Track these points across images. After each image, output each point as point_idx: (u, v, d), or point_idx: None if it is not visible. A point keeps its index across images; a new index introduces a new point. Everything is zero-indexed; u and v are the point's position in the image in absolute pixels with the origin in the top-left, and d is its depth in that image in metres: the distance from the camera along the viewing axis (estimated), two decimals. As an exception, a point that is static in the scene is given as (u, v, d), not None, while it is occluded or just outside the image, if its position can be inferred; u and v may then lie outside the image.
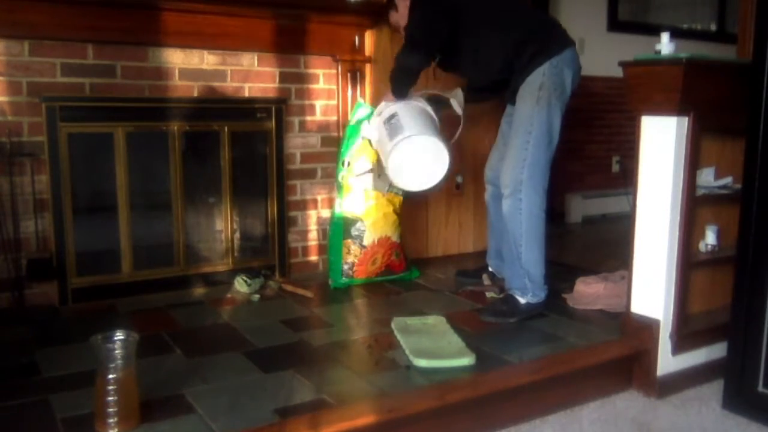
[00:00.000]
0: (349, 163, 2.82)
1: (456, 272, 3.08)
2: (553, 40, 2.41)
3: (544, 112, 2.37)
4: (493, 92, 2.75)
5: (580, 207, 4.71)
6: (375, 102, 3.13)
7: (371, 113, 2.78)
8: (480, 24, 2.47)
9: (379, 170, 2.81)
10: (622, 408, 2.13)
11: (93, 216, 2.68)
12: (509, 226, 2.44)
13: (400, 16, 2.64)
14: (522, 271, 2.45)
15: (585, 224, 4.65)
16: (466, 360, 2.04)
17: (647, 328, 2.21)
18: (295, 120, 3.05)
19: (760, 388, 2.03)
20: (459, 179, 2.79)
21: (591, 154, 4.74)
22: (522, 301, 2.47)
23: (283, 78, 2.99)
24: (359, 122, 2.82)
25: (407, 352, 2.08)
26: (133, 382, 1.64)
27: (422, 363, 2.02)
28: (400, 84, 2.58)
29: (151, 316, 2.50)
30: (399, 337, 2.22)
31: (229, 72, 2.86)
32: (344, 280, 2.87)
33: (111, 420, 1.60)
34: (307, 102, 3.07)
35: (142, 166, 2.73)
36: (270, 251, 3.05)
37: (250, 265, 2.96)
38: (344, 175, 2.83)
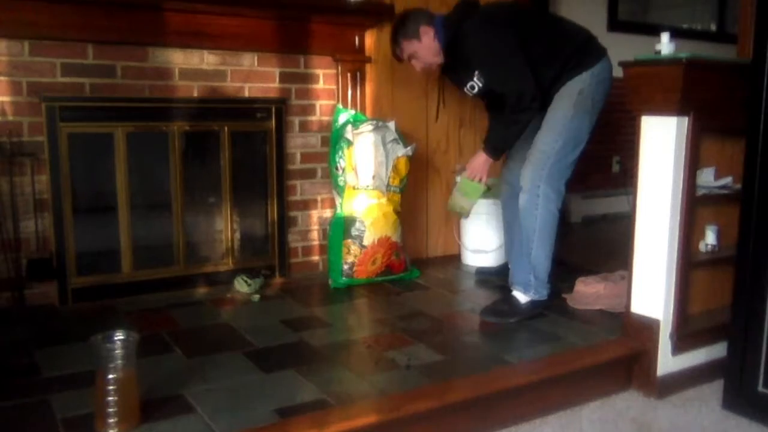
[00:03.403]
0: (344, 169, 2.82)
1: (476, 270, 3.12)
2: (593, 50, 2.44)
3: (578, 117, 2.41)
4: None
5: (580, 207, 4.70)
6: (375, 102, 3.14)
7: (356, 117, 2.84)
8: (534, 42, 2.41)
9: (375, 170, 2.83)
10: (622, 408, 2.13)
11: (93, 216, 2.68)
12: (523, 221, 2.43)
13: (425, 48, 2.51)
14: (529, 266, 2.45)
15: (585, 224, 4.65)
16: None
17: (647, 328, 2.21)
18: (296, 120, 3.05)
19: (760, 388, 2.03)
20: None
21: (591, 154, 4.69)
22: (523, 300, 2.47)
23: (284, 78, 2.99)
24: (343, 126, 2.83)
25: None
26: (133, 382, 1.64)
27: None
28: (512, 140, 2.47)
29: (151, 316, 2.50)
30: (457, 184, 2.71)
31: (229, 72, 2.86)
32: (344, 280, 2.87)
33: (111, 420, 1.60)
34: (307, 102, 3.07)
35: (142, 166, 2.73)
36: (270, 251, 3.05)
37: (250, 265, 2.96)
38: (342, 178, 2.84)
